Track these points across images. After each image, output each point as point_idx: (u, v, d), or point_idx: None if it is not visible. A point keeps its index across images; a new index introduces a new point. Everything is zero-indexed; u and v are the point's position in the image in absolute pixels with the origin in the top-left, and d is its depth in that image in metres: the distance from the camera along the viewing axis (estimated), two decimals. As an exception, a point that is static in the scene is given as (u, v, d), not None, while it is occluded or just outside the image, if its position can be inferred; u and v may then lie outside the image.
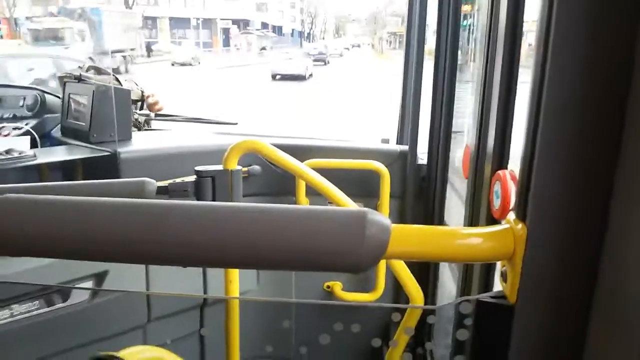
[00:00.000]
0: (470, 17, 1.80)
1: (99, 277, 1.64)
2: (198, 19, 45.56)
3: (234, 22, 49.40)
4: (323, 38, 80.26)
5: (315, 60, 28.18)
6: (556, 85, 0.53)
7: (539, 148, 0.55)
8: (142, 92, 2.29)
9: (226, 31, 47.53)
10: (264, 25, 57.21)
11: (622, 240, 0.53)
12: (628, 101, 0.51)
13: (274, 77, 23.21)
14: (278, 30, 64.96)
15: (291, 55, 25.21)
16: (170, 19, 42.64)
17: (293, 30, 73.80)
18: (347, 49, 59.31)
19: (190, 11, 45.54)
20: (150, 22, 40.66)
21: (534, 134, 0.55)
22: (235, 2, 52.38)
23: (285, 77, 22.73)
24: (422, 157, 2.00)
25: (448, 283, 1.81)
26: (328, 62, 33.18)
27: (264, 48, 45.59)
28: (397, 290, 2.07)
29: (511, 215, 0.59)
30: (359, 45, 75.69)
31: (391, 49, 57.21)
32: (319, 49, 34.53)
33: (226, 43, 46.64)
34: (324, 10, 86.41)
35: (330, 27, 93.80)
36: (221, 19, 46.73)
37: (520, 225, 0.57)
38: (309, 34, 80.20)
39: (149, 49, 34.28)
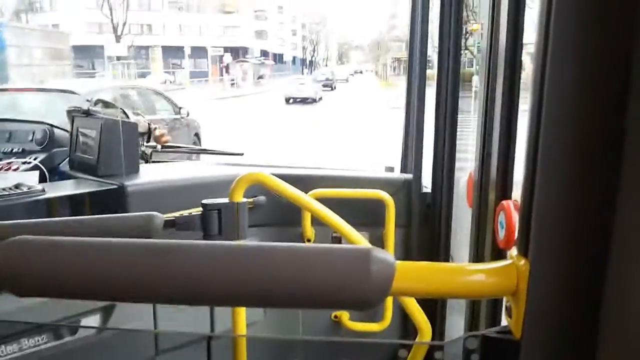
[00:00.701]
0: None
1: (107, 310, 1.64)
2: (180, 47, 42.49)
3: (233, 50, 47.83)
4: (326, 65, 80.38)
5: (323, 86, 30.36)
6: (554, 119, 0.54)
7: (538, 182, 0.55)
8: (149, 124, 2.33)
9: (217, 59, 45.09)
10: (264, 53, 55.04)
11: (626, 273, 0.53)
12: (626, 136, 0.52)
13: (287, 100, 24.54)
14: (279, 58, 64.14)
15: (303, 81, 27.75)
16: (163, 47, 41.54)
17: (294, 57, 73.25)
18: (352, 74, 61.40)
19: (182, 39, 43.60)
20: (143, 51, 39.64)
21: (533, 168, 0.56)
22: (234, 29, 51.07)
23: (297, 101, 24.13)
24: (427, 185, 2.00)
25: (457, 315, 1.80)
26: (335, 88, 35.56)
27: (261, 77, 43.45)
28: (404, 319, 2.05)
29: (514, 250, 0.60)
30: (361, 72, 75.65)
31: (395, 75, 57.34)
32: (326, 75, 37.61)
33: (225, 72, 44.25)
34: (326, 37, 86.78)
35: (333, 54, 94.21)
36: (212, 47, 44.11)
37: (522, 261, 0.57)
38: (311, 61, 79.97)
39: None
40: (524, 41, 1.16)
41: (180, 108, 8.25)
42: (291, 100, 24.63)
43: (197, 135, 8.75)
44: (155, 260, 0.54)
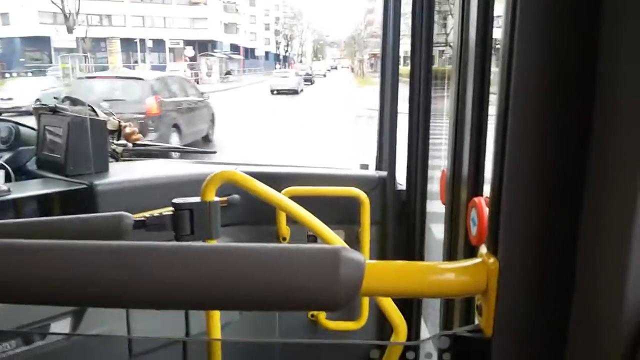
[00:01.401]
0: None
1: (78, 314, 1.60)
2: (142, 40, 38.97)
3: (201, 44, 44.23)
4: (301, 61, 79.28)
5: (304, 80, 33.75)
6: (520, 116, 0.54)
7: (506, 182, 0.56)
8: (119, 122, 2.28)
9: (181, 53, 41.59)
10: (235, 48, 53.09)
11: (594, 270, 0.53)
12: (593, 128, 0.52)
13: (272, 92, 27.45)
14: (250, 52, 61.52)
15: (287, 74, 31.23)
16: (124, 40, 37.44)
17: (267, 53, 70.93)
18: (329, 70, 64.44)
19: (141, 32, 39.21)
20: (103, 44, 36.15)
21: (500, 168, 0.56)
22: (202, 22, 47.98)
23: (281, 92, 26.78)
24: (402, 183, 2.01)
25: (433, 311, 1.81)
26: (314, 82, 39.60)
27: (228, 72, 40.61)
28: (381, 317, 2.06)
29: (483, 249, 0.60)
30: (335, 68, 76.01)
31: (372, 72, 57.00)
32: (305, 70, 42.09)
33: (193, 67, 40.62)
34: (301, 32, 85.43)
35: (308, 50, 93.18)
36: (171, 39, 41.25)
37: (492, 260, 0.57)
38: (285, 57, 78.20)
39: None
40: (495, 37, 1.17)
41: (202, 93, 11.48)
42: (275, 92, 27.29)
43: (212, 115, 11.61)
44: (121, 262, 0.52)
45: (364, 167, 2.21)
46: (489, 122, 1.22)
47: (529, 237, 0.56)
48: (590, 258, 0.54)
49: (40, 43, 32.87)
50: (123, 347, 1.73)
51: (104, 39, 36.58)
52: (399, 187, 2.01)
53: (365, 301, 2.00)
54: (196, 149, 2.55)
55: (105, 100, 7.06)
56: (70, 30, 32.88)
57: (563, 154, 0.54)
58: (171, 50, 41.98)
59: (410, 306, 1.88)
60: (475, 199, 1.10)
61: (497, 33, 1.14)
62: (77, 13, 34.05)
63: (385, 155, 2.08)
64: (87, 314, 1.61)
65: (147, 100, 9.16)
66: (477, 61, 1.15)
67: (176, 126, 9.74)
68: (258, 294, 0.51)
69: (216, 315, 1.44)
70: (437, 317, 1.76)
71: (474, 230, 1.11)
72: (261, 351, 1.82)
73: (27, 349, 1.51)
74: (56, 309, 1.56)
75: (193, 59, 40.05)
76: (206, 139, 11.29)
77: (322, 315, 2.09)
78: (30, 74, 29.69)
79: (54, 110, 1.92)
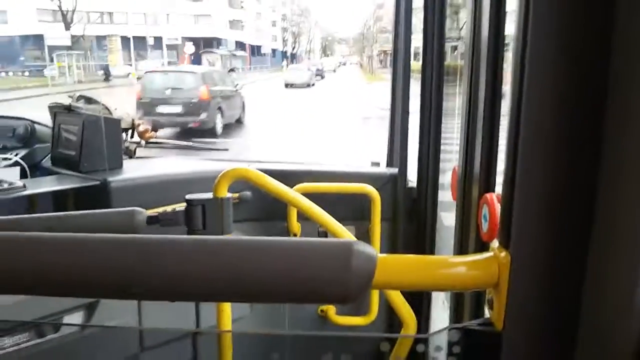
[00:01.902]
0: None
1: (91, 307, 1.63)
2: (136, 37, 36.53)
3: (205, 41, 42.60)
4: (309, 58, 77.63)
5: (315, 75, 35.46)
6: (533, 111, 0.54)
7: (518, 176, 0.56)
8: (133, 120, 2.31)
9: (174, 49, 39.52)
10: (240, 45, 51.67)
11: (605, 265, 0.53)
12: (605, 127, 0.52)
13: (286, 85, 29.40)
14: (257, 50, 60.07)
15: (301, 69, 33.44)
16: (126, 38, 35.85)
17: (275, 50, 69.03)
18: (338, 66, 64.94)
19: (142, 29, 37.52)
20: (104, 42, 35.02)
21: (513, 163, 0.56)
22: (206, 19, 46.05)
23: (294, 86, 29.02)
24: (413, 180, 2.01)
25: (442, 306, 1.81)
26: (324, 77, 41.76)
27: (232, 70, 38.38)
28: (390, 312, 2.06)
29: (495, 243, 0.60)
30: (344, 64, 75.49)
31: (381, 68, 55.93)
32: (317, 66, 43.24)
33: (197, 62, 36.92)
34: (309, 29, 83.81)
35: (316, 47, 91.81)
36: (169, 38, 38.54)
37: (504, 253, 0.57)
38: (293, 54, 76.46)
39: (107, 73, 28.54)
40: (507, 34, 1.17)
41: (236, 84, 14.13)
42: (289, 86, 29.15)
43: (243, 102, 14.15)
44: (137, 255, 0.53)
45: (375, 164, 2.21)
46: (501, 119, 1.22)
47: (541, 231, 0.56)
48: (601, 253, 0.54)
49: (40, 41, 31.38)
50: (134, 341, 1.75)
51: (104, 37, 35.56)
52: (410, 184, 2.01)
53: (375, 297, 2.01)
54: (208, 146, 2.57)
55: (169, 89, 10.82)
56: (67, 27, 31.91)
57: (576, 149, 0.54)
58: (171, 47, 39.84)
59: (420, 301, 1.88)
60: (487, 195, 1.09)
61: (510, 29, 1.14)
62: (74, 10, 32.92)
63: (397, 152, 2.08)
64: (99, 307, 1.63)
65: (200, 88, 11.73)
66: (489, 57, 1.15)
67: (220, 109, 12.23)
68: (271, 286, 0.52)
69: (227, 309, 1.46)
70: (442, 314, 1.76)
71: (485, 226, 1.11)
72: (271, 346, 1.83)
73: (41, 341, 1.53)
74: (69, 303, 1.58)
75: (196, 56, 38.57)
76: (239, 121, 13.83)
77: (331, 311, 2.09)
78: (27, 73, 28.94)
79: (69, 109, 1.96)
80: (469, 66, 1.26)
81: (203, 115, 11.52)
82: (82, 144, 1.80)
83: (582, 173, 0.54)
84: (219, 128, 12.10)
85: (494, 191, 1.17)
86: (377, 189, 1.95)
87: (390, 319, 2.07)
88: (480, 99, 1.21)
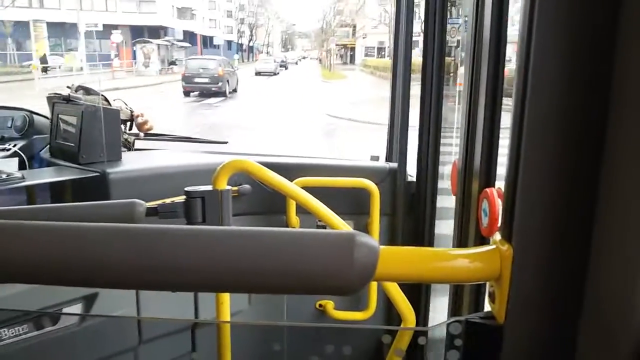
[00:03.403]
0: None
1: (89, 299, 1.62)
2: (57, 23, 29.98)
3: (150, 30, 37.55)
4: (268, 53, 74.39)
5: (280, 66, 44.10)
6: (537, 105, 0.54)
7: (522, 168, 0.56)
8: (132, 112, 2.30)
9: (123, 42, 33.91)
10: (191, 35, 47.16)
11: (607, 258, 0.53)
12: (608, 119, 0.52)
13: (256, 73, 37.47)
14: (209, 41, 54.99)
15: (268, 61, 42.67)
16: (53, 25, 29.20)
17: (230, 42, 63.81)
18: (300, 60, 69.56)
19: (66, 15, 30.30)
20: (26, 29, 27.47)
21: (516, 155, 0.56)
22: (150, 5, 40.93)
23: (262, 74, 36.93)
24: (412, 174, 2.01)
25: (441, 301, 1.82)
26: (287, 68, 50.32)
27: (173, 62, 35.39)
28: (389, 308, 2.06)
29: (497, 236, 0.60)
30: (305, 58, 74.95)
31: (342, 64, 53.96)
32: (281, 58, 52.20)
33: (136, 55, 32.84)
34: (267, 21, 79.03)
35: (276, 41, 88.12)
36: (87, 24, 28.80)
37: (506, 246, 0.57)
38: (250, 47, 72.67)
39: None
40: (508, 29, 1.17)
41: (234, 67, 25.56)
42: (258, 74, 37.19)
43: (237, 79, 23.75)
44: (137, 245, 0.53)
45: (375, 158, 2.21)
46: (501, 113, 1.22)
47: (544, 224, 0.56)
48: (603, 247, 0.54)
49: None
50: (133, 334, 1.76)
51: (25, 23, 28.98)
52: (409, 179, 2.01)
53: (374, 291, 2.01)
54: (207, 139, 2.56)
55: (200, 68, 20.90)
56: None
57: (579, 143, 0.54)
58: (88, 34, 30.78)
59: (418, 296, 1.89)
60: (487, 190, 1.09)
61: (512, 23, 1.14)
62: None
63: (396, 146, 2.08)
64: (98, 300, 1.63)
65: (218, 68, 21.12)
66: (490, 50, 1.15)
67: (228, 81, 21.68)
68: (273, 277, 0.52)
69: (226, 302, 1.46)
70: (440, 310, 1.77)
71: (485, 221, 1.11)
72: (269, 339, 1.84)
73: (39, 333, 1.53)
74: (68, 295, 1.58)
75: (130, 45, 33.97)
76: (235, 90, 22.85)
77: (330, 305, 2.10)
78: None
79: (68, 100, 1.94)
80: (471, 61, 1.26)
81: (220, 84, 20.99)
82: (80, 135, 1.79)
83: (585, 166, 0.54)
84: (227, 92, 21.32)
85: (494, 186, 1.17)
86: (376, 183, 1.95)
87: (389, 313, 2.08)
88: (481, 93, 1.21)
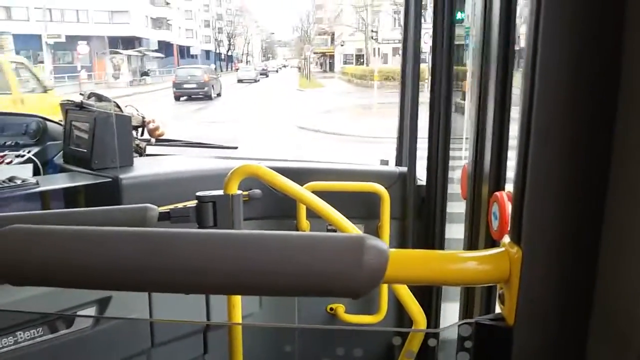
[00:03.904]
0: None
1: (103, 303, 1.64)
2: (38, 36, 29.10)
3: (124, 40, 36.80)
4: (247, 62, 73.38)
5: (260, 74, 48.07)
6: (545, 107, 0.55)
7: (530, 171, 0.56)
8: (143, 118, 2.32)
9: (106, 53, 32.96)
10: (167, 45, 47.02)
11: (617, 260, 0.54)
12: (616, 122, 0.52)
13: (238, 80, 40.74)
14: (186, 51, 55.29)
15: (249, 69, 46.43)
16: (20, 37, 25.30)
17: (208, 52, 64.04)
18: (280, 68, 71.20)
19: (31, 27, 29.79)
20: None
21: (525, 158, 0.57)
22: (123, 15, 40.06)
23: (244, 81, 40.35)
24: (422, 178, 2.01)
25: (451, 303, 1.81)
26: (268, 76, 53.80)
27: (145, 73, 34.97)
28: (400, 311, 2.06)
29: (506, 238, 0.60)
30: (285, 66, 75.00)
31: (321, 72, 53.32)
32: (262, 67, 57.82)
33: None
34: (246, 30, 78.14)
35: (256, 49, 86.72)
36: (49, 35, 29.72)
37: (515, 249, 0.58)
38: (229, 56, 71.76)
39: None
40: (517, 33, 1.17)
41: (216, 73, 31.21)
42: (240, 81, 40.48)
43: (220, 84, 27.14)
44: (151, 248, 0.54)
45: (384, 162, 2.21)
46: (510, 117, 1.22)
47: (553, 227, 0.56)
48: (613, 249, 0.54)
49: None
50: (146, 336, 1.77)
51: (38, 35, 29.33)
52: (419, 183, 2.01)
53: (384, 295, 2.01)
54: (217, 144, 2.58)
55: (189, 75, 24.62)
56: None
57: (587, 145, 0.54)
58: (50, 46, 30.87)
59: (429, 299, 1.89)
60: (497, 194, 1.10)
61: (520, 28, 1.14)
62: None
63: (405, 151, 2.08)
64: (111, 304, 1.65)
65: (204, 76, 24.47)
66: (499, 55, 1.15)
67: (212, 86, 24.77)
68: (283, 279, 0.53)
69: (237, 305, 1.47)
70: (450, 313, 1.76)
71: (495, 224, 1.11)
72: (280, 343, 1.85)
73: (53, 336, 1.55)
74: (82, 298, 1.60)
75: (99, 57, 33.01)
76: (219, 94, 25.83)
77: (340, 309, 2.10)
78: None
79: (81, 106, 1.97)
80: (480, 64, 1.26)
81: (206, 89, 24.26)
82: (93, 141, 1.82)
83: (593, 169, 0.54)
84: (213, 96, 24.61)
85: (504, 189, 1.17)
86: (386, 188, 1.95)
87: (400, 317, 2.07)
88: (490, 97, 1.21)
